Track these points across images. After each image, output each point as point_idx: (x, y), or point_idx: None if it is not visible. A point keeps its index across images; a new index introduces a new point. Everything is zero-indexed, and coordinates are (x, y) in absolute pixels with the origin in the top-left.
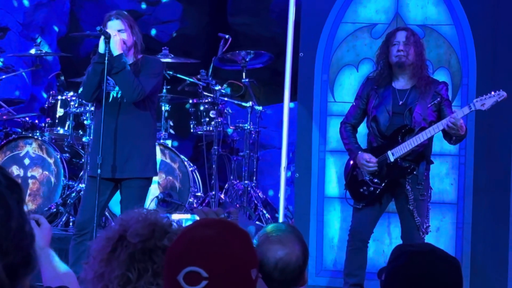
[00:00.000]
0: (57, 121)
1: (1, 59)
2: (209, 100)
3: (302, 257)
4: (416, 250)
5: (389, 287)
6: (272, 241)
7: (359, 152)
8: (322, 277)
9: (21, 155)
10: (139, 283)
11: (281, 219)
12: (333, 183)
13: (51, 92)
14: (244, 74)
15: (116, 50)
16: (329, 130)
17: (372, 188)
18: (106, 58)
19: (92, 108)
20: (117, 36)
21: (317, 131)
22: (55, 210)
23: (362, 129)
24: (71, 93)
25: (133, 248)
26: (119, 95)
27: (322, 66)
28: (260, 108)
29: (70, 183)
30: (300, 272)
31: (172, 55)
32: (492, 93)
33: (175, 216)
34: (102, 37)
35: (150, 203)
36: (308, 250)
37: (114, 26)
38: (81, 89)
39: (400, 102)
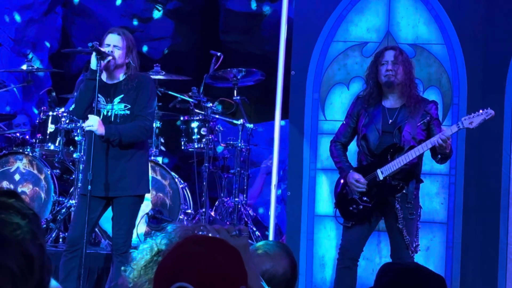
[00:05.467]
0: (48, 137)
1: None
2: (200, 117)
3: (290, 271)
4: (403, 267)
5: None
6: (259, 254)
7: (350, 170)
8: None
9: (12, 170)
10: None
11: (271, 237)
12: (324, 201)
13: (42, 108)
14: (235, 91)
15: (98, 131)
16: (320, 148)
17: (361, 207)
18: (98, 74)
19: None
20: (95, 122)
21: (308, 149)
22: (45, 226)
23: (352, 147)
24: (62, 109)
25: None
26: (109, 114)
27: (314, 84)
28: (251, 125)
29: (60, 199)
30: (287, 286)
31: (164, 72)
32: (480, 111)
33: None
34: (94, 53)
35: (140, 220)
36: (298, 266)
37: (112, 40)
38: (73, 106)
39: (390, 121)
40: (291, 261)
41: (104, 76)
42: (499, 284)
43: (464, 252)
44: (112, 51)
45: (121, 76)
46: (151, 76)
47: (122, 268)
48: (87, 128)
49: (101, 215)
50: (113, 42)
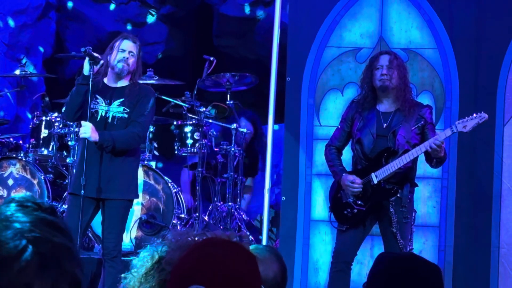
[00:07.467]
0: (41, 142)
1: None
2: (194, 122)
3: (280, 275)
4: (398, 255)
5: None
6: None
7: (344, 174)
8: None
9: (5, 175)
10: None
11: (264, 241)
12: (319, 206)
13: (35, 113)
14: (228, 96)
15: (92, 138)
16: (315, 154)
17: (355, 210)
18: (91, 80)
19: (77, 130)
20: (89, 129)
21: (303, 155)
22: None
23: (347, 151)
24: (56, 114)
25: (165, 276)
26: (107, 115)
27: (308, 90)
28: (244, 130)
29: (53, 204)
30: None
31: (157, 77)
32: (474, 115)
33: None
34: (87, 59)
35: (133, 224)
36: (287, 270)
37: (128, 46)
38: (64, 109)
39: (384, 125)
40: (281, 265)
41: (105, 79)
42: (491, 287)
43: (456, 255)
44: (127, 58)
45: (125, 82)
46: (146, 81)
47: (122, 275)
48: (82, 136)
49: (92, 217)
50: (129, 48)
